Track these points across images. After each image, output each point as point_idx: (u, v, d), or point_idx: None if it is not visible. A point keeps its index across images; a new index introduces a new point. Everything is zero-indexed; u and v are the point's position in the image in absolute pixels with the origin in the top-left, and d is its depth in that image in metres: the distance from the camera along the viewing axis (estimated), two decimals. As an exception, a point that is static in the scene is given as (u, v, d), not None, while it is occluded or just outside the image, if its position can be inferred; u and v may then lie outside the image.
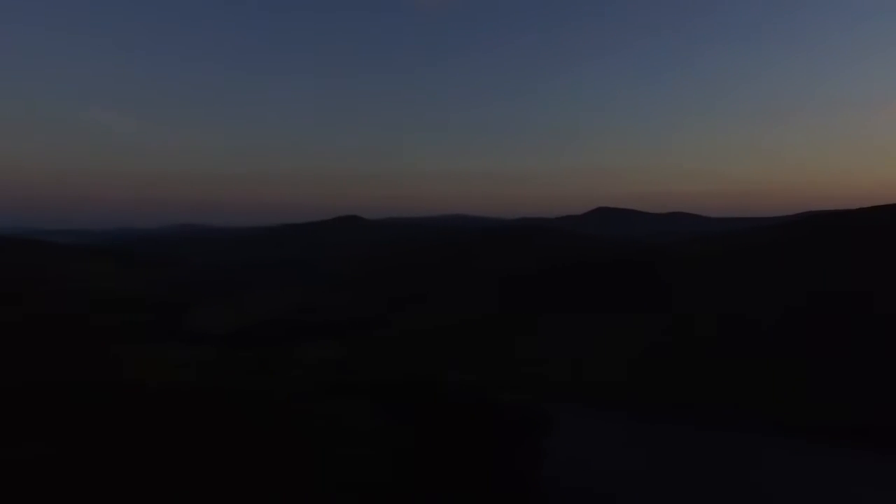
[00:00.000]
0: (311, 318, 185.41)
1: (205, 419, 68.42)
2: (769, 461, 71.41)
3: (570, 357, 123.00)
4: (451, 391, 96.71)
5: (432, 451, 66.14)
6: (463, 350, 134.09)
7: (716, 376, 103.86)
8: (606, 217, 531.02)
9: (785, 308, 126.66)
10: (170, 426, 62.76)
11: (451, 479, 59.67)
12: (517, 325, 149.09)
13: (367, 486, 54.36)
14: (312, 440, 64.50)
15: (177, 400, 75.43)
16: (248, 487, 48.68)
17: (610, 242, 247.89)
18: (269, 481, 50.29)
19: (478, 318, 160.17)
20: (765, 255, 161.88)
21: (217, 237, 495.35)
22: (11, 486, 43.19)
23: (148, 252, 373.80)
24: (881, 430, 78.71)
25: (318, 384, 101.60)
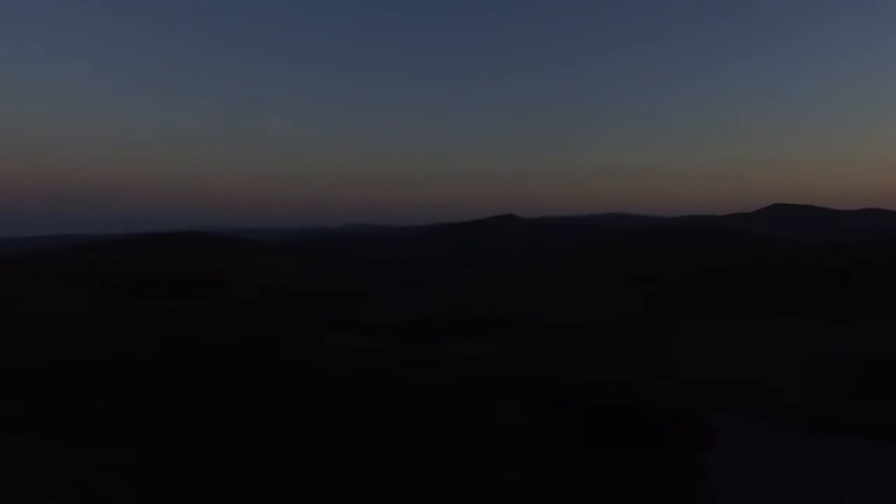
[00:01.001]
0: (468, 314, 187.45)
1: (364, 405, 70.54)
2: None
3: (735, 363, 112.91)
4: (603, 392, 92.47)
5: (582, 455, 63.20)
6: (616, 350, 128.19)
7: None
8: (782, 214, 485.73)
9: None
10: (336, 408, 65.34)
11: (602, 487, 56.43)
12: (675, 327, 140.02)
13: (517, 486, 52.86)
14: (463, 435, 64.17)
15: (340, 384, 78.74)
16: (398, 474, 49.14)
17: (786, 242, 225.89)
18: (418, 472, 50.44)
19: (633, 318, 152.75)
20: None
21: (384, 235, 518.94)
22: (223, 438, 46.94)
23: (327, 249, 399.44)
24: None
25: (471, 379, 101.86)
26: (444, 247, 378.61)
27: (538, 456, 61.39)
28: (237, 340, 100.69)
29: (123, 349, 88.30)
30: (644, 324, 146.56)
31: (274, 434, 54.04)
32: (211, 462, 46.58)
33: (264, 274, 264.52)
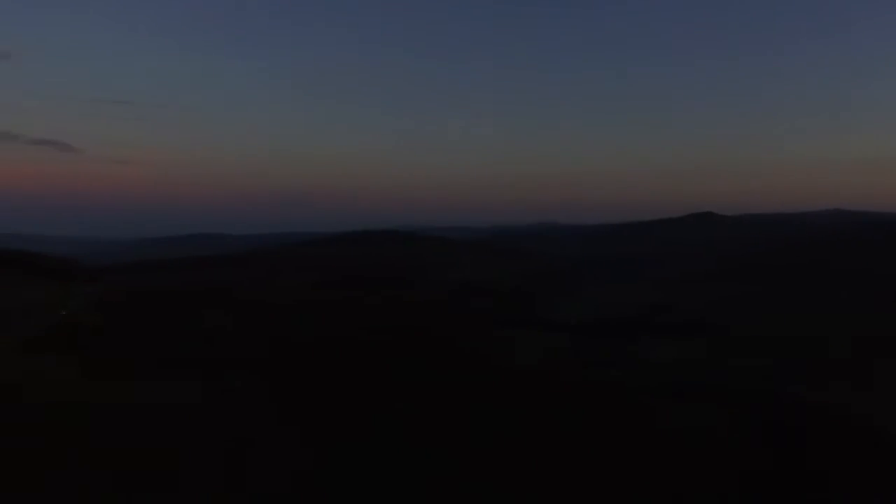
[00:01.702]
0: (663, 316, 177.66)
1: (555, 406, 69.21)
2: None
3: None
4: (820, 411, 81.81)
5: (800, 485, 56.08)
6: (848, 366, 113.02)
7: None
8: None
9: None
10: (524, 407, 64.90)
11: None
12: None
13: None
14: (660, 446, 60.21)
15: (528, 381, 78.13)
16: (593, 481, 47.23)
17: None
18: (614, 482, 48.11)
19: (846, 327, 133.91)
20: None
21: (572, 233, 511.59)
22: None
23: (514, 247, 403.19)
24: None
25: (671, 385, 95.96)
26: (636, 245, 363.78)
27: (749, 479, 55.61)
28: (426, 331, 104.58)
29: (334, 330, 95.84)
30: (872, 332, 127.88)
31: (454, 427, 54.62)
32: (401, 440, 48.30)
33: (455, 270, 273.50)
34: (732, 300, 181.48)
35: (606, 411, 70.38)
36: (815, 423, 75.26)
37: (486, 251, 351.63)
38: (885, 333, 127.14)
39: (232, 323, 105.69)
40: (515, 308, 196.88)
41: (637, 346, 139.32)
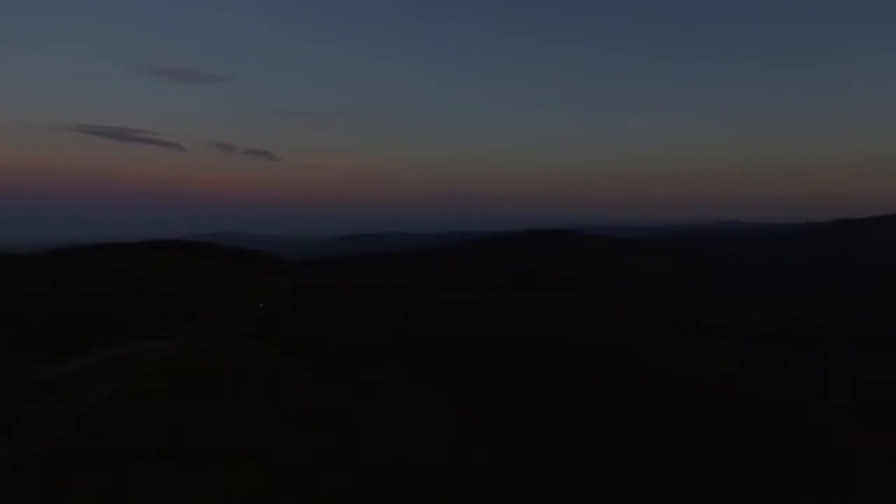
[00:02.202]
0: (860, 328, 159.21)
1: (726, 421, 66.23)
2: None
3: None
4: None
5: None
6: None
7: None
8: None
9: None
10: (685, 421, 63.02)
11: None
12: None
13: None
14: (851, 477, 55.39)
15: (697, 395, 75.19)
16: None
17: None
18: None
19: None
20: None
21: (756, 233, 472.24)
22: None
23: (692, 247, 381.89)
24: None
25: (863, 407, 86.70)
26: (828, 247, 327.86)
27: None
28: (596, 336, 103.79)
29: (502, 329, 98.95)
30: None
31: (625, 437, 54.50)
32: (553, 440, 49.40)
33: (626, 271, 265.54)
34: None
35: (790, 434, 65.96)
36: None
37: (659, 251, 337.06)
38: None
39: (406, 317, 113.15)
40: (689, 313, 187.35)
41: (827, 361, 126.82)
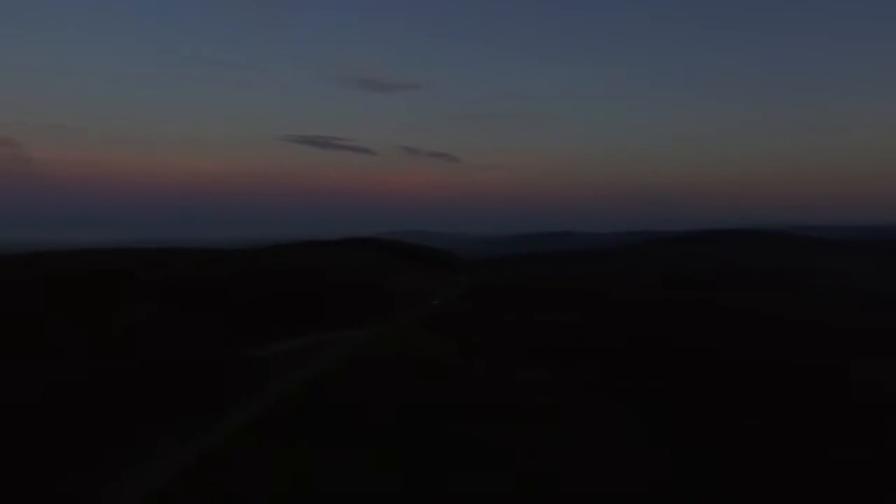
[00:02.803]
0: None
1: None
2: None
3: None
4: None
5: None
6: None
7: None
8: None
9: None
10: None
11: None
12: None
13: None
14: None
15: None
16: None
17: None
18: None
19: None
20: None
21: None
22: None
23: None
24: None
25: None
26: None
27: None
28: (793, 348, 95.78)
29: (682, 333, 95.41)
30: None
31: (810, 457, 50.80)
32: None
33: (829, 276, 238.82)
34: None
35: None
36: None
37: (874, 252, 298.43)
38: None
39: (582, 317, 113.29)
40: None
41: None
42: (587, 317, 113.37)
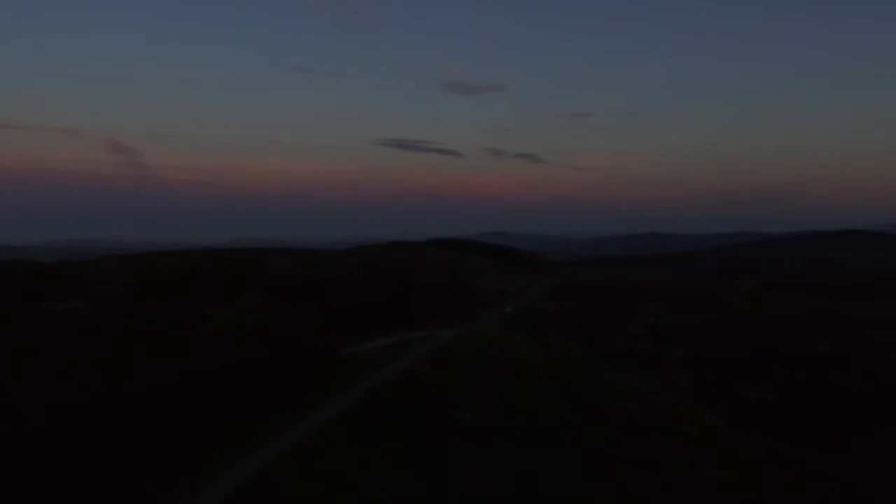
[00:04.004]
0: None
1: None
2: None
3: None
4: None
5: None
6: None
7: None
8: None
9: None
10: None
11: None
12: None
13: None
14: None
15: None
16: None
17: None
18: None
19: None
20: None
21: None
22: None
23: None
24: None
25: None
26: None
27: None
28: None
29: (783, 342, 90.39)
30: None
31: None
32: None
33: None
34: None
35: None
36: None
37: None
38: None
39: (670, 320, 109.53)
40: None
41: None
42: (670, 319, 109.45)
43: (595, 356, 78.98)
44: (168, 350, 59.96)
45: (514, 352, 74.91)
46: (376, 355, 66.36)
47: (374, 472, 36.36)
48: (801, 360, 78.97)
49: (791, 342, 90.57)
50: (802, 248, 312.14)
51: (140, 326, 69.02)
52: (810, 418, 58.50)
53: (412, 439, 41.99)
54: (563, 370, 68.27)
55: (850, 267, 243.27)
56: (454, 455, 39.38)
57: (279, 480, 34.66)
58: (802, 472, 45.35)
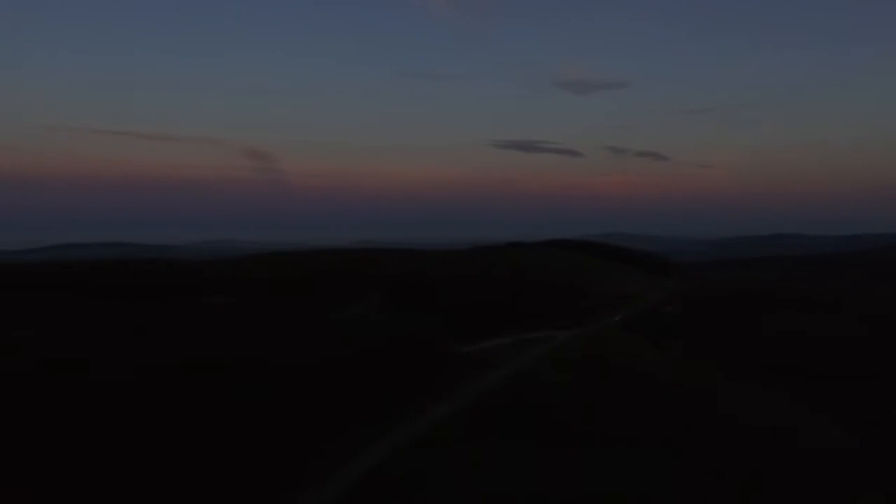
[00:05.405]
0: None
1: None
2: None
3: None
4: None
5: None
6: None
7: None
8: None
9: None
10: None
11: None
12: None
13: None
14: None
15: None
16: None
17: None
18: None
19: None
20: None
21: None
22: None
23: None
24: None
25: None
26: None
27: None
28: None
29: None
30: None
31: None
32: None
33: None
34: None
35: None
36: None
37: None
38: None
39: (804, 328, 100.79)
40: None
41: None
42: (802, 327, 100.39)
43: (722, 365, 74.29)
44: (301, 340, 63.73)
45: (634, 357, 72.21)
46: (492, 355, 66.58)
47: (486, 470, 36.50)
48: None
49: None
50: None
51: (277, 318, 74.00)
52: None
53: (524, 439, 41.69)
54: (686, 379, 64.86)
55: None
56: (564, 459, 38.63)
57: (402, 460, 36.98)
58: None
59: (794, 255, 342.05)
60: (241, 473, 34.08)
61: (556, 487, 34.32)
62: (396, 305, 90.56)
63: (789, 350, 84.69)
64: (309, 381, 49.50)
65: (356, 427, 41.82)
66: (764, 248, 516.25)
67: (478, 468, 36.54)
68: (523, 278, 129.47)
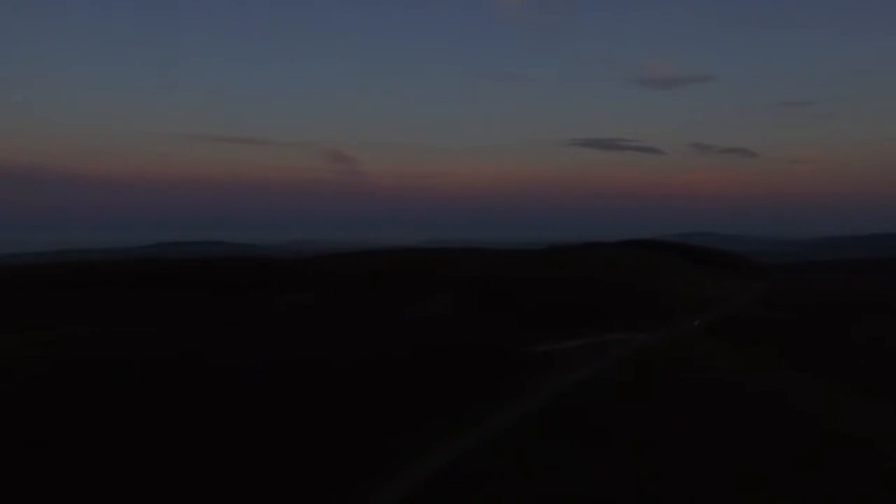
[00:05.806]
0: None
1: None
2: None
3: None
4: None
5: None
6: None
7: None
8: None
9: None
10: None
11: None
12: None
13: None
14: None
15: None
16: None
17: None
18: None
19: None
20: None
21: None
22: None
23: None
24: None
25: None
26: None
27: None
28: None
29: None
30: None
31: None
32: None
33: None
34: None
35: None
36: None
37: None
38: None
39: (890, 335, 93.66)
40: None
41: None
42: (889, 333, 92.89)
43: (811, 374, 70.17)
44: (378, 335, 65.28)
45: (716, 362, 69.40)
46: (569, 356, 65.76)
47: (555, 469, 36.24)
48: None
49: None
50: None
51: (353, 315, 76.10)
52: None
53: (601, 443, 41.04)
54: (772, 385, 61.70)
55: None
56: (640, 464, 37.75)
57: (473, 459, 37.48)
58: None
59: (893, 256, 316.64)
60: (320, 467, 35.49)
61: (625, 493, 33.62)
62: (473, 304, 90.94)
63: (883, 359, 78.87)
64: (384, 378, 50.66)
65: (435, 422, 42.53)
66: (859, 248, 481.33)
67: (548, 469, 36.30)
68: (600, 279, 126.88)
